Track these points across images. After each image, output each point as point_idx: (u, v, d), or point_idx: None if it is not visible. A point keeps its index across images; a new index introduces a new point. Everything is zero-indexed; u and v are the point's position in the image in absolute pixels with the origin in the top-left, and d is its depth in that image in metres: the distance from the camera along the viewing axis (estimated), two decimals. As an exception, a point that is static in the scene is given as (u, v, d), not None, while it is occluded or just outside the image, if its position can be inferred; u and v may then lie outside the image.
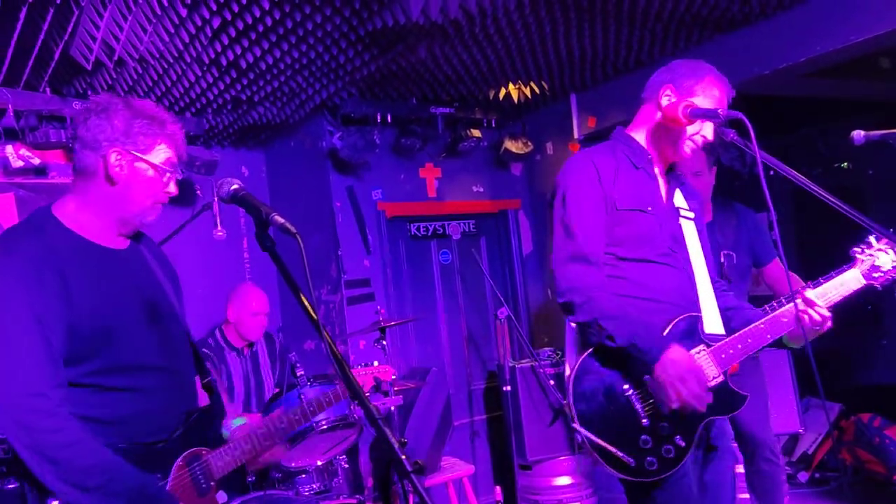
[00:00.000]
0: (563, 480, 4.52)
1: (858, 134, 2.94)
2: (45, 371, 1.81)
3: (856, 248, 2.48)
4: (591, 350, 2.33)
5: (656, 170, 2.49)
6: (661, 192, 2.47)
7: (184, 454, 2.05)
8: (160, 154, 2.05)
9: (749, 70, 4.14)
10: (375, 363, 2.59)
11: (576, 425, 2.28)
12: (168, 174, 2.07)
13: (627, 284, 2.37)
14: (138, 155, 2.01)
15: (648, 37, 4.23)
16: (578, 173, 2.40)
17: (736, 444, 3.29)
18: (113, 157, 1.99)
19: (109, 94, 2.09)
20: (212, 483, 2.09)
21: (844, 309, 2.43)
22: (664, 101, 2.40)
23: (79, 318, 1.89)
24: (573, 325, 2.40)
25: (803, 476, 4.88)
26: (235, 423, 2.33)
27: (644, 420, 2.26)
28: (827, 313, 2.32)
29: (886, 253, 2.42)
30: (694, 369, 2.21)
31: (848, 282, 2.43)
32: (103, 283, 1.98)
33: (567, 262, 2.34)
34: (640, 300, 2.35)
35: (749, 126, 2.20)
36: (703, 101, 2.36)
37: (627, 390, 2.29)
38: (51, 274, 1.87)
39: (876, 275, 2.44)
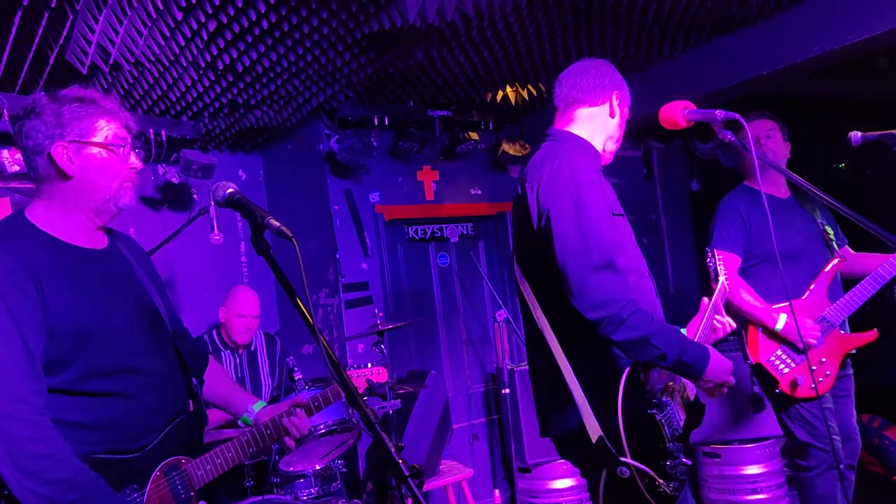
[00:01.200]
0: (563, 483, 4.50)
1: (856, 135, 2.95)
2: (27, 378, 1.75)
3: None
4: (623, 379, 2.10)
5: None
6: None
7: (162, 464, 1.95)
8: (103, 132, 1.94)
9: (747, 71, 4.14)
10: (369, 365, 2.57)
11: (627, 460, 2.06)
12: (121, 148, 1.96)
13: None
14: (81, 141, 1.91)
15: (646, 39, 4.23)
16: (587, 176, 2.22)
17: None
18: (57, 152, 1.90)
19: (36, 94, 1.98)
20: (192, 493, 1.99)
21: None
22: (615, 104, 2.44)
23: (58, 321, 1.81)
24: (613, 343, 2.11)
25: (803, 477, 4.88)
26: (256, 407, 2.26)
27: (670, 444, 2.15)
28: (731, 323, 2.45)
29: None
30: (729, 369, 2.21)
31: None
32: (81, 283, 1.90)
33: (595, 271, 2.09)
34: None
35: (747, 127, 2.22)
36: (625, 111, 2.49)
37: (656, 415, 2.14)
38: (26, 278, 1.79)
39: None
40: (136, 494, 1.90)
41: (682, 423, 2.26)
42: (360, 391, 2.42)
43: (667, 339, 2.07)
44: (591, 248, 2.10)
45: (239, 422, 2.32)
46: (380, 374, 2.56)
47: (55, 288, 1.83)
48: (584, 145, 2.41)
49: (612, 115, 2.45)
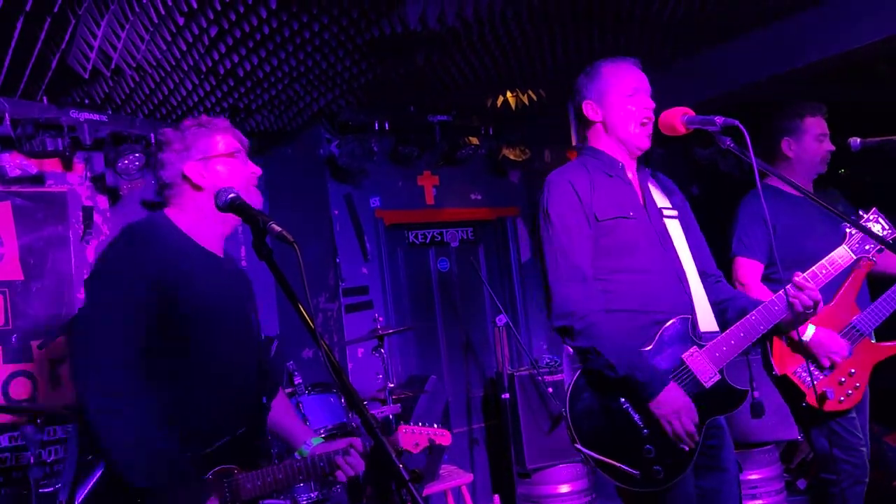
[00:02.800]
0: (563, 488, 4.50)
1: (855, 140, 2.96)
2: (124, 345, 1.93)
3: (846, 224, 2.52)
4: (582, 369, 2.33)
5: (630, 175, 2.50)
6: (638, 197, 2.47)
7: (215, 469, 2.02)
8: (220, 144, 2.17)
9: (747, 77, 4.16)
10: (435, 425, 2.47)
11: (578, 445, 2.27)
12: (238, 153, 2.19)
13: (617, 298, 2.36)
14: (207, 157, 2.15)
15: (646, 44, 4.24)
16: (558, 193, 2.41)
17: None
18: (189, 170, 2.14)
19: (162, 129, 2.23)
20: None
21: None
22: (593, 107, 2.51)
23: (170, 310, 1.98)
24: (570, 349, 2.39)
25: (802, 483, 4.88)
26: (315, 441, 2.31)
27: (645, 430, 2.25)
28: (817, 295, 2.29)
29: (877, 222, 2.53)
30: (686, 408, 2.22)
31: (836, 258, 2.49)
32: (205, 282, 2.08)
33: (565, 282, 2.32)
34: (630, 313, 2.34)
35: (745, 133, 2.21)
36: (615, 97, 2.50)
37: (624, 403, 2.28)
38: (152, 266, 1.99)
39: (868, 246, 2.51)
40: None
41: None
42: (420, 448, 2.37)
43: (618, 354, 2.23)
44: (561, 260, 2.34)
45: (296, 454, 2.36)
46: (443, 437, 2.45)
47: (179, 280, 2.01)
48: (593, 154, 2.51)
49: (596, 117, 2.50)
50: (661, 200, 2.53)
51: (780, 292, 2.33)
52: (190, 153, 2.16)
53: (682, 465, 2.24)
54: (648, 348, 2.32)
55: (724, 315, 2.44)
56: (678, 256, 2.44)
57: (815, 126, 3.25)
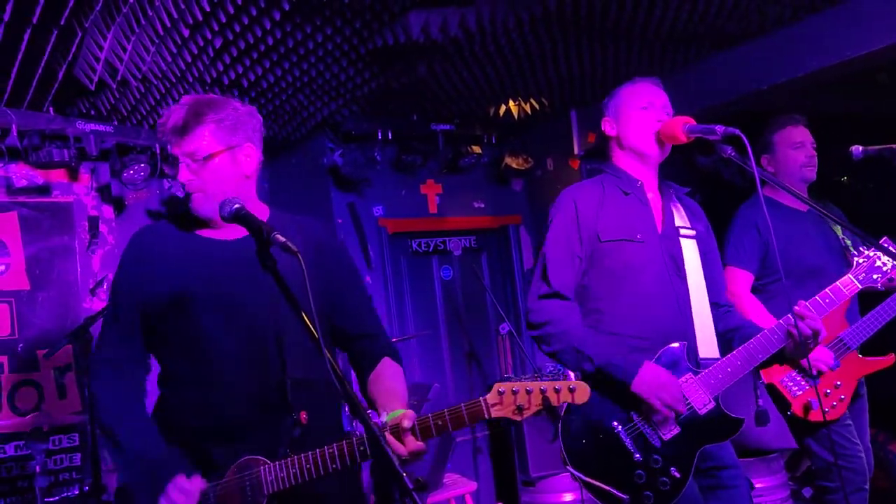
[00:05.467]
0: (567, 497, 4.50)
1: (857, 149, 2.96)
2: (110, 330, 2.10)
3: (854, 252, 2.51)
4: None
5: (649, 195, 2.50)
6: (654, 218, 2.47)
7: (239, 461, 1.94)
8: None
9: (746, 86, 4.17)
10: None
11: (569, 468, 2.30)
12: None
13: (615, 320, 2.38)
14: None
15: (647, 53, 4.26)
16: (560, 210, 2.48)
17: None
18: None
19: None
20: (262, 498, 1.91)
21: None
22: (610, 125, 2.56)
23: (155, 298, 2.02)
24: (547, 355, 2.44)
25: (808, 491, 4.86)
26: (390, 416, 1.92)
27: (637, 455, 2.26)
28: (818, 325, 2.26)
29: (887, 254, 2.47)
30: (666, 382, 2.23)
31: (840, 288, 2.47)
32: (193, 268, 2.04)
33: (545, 296, 2.41)
34: (626, 337, 2.36)
35: (746, 142, 2.22)
36: (630, 111, 2.53)
37: (616, 427, 2.30)
38: (145, 252, 2.08)
39: (876, 276, 2.49)
40: (211, 486, 1.94)
41: (668, 437, 2.28)
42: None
43: (594, 348, 2.29)
44: (542, 282, 2.43)
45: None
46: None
47: (162, 268, 2.05)
48: (613, 172, 2.56)
49: (612, 132, 2.56)
50: (680, 220, 2.52)
51: (781, 321, 2.33)
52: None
53: (674, 490, 2.24)
54: None
55: (730, 345, 2.43)
56: (686, 282, 2.43)
57: (788, 136, 3.30)
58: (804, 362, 3.01)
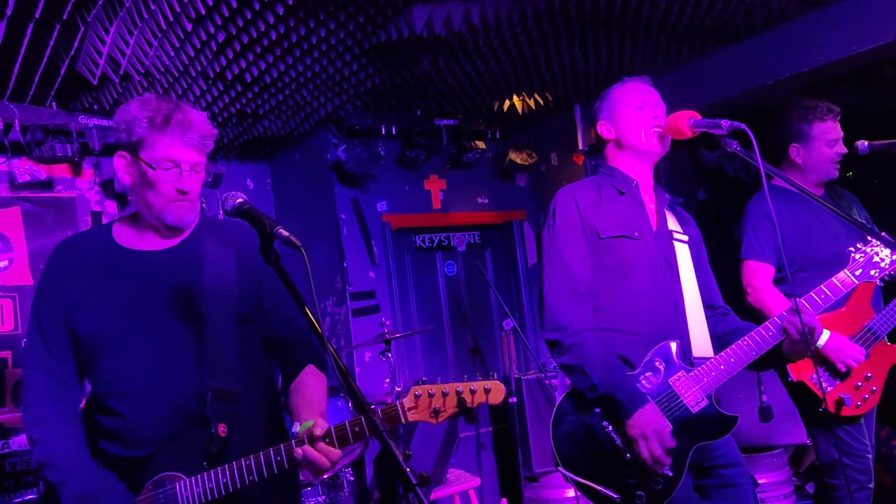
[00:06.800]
0: (570, 492, 4.49)
1: (863, 143, 2.94)
2: (38, 367, 2.01)
3: (851, 248, 2.49)
4: (567, 392, 2.35)
5: (644, 196, 2.51)
6: (649, 218, 2.48)
7: (154, 478, 1.89)
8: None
9: (752, 81, 4.15)
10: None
11: (560, 468, 2.29)
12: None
13: (612, 318, 2.38)
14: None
15: (652, 48, 4.25)
16: (562, 208, 2.46)
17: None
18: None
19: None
20: None
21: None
22: (606, 127, 2.56)
23: (76, 318, 1.97)
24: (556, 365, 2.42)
25: (811, 487, 4.86)
26: (303, 427, 1.87)
27: (628, 454, 2.25)
28: (813, 321, 2.24)
29: (884, 248, 2.43)
30: (659, 430, 2.20)
31: (836, 283, 2.43)
32: (112, 285, 1.98)
33: (560, 297, 2.37)
34: (622, 334, 2.36)
35: (752, 137, 2.21)
36: (624, 111, 2.52)
37: (607, 427, 2.29)
38: (61, 274, 2.01)
39: (873, 272, 2.44)
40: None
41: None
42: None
43: (602, 374, 2.25)
44: (563, 278, 2.38)
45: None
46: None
47: (81, 288, 1.99)
48: (608, 172, 2.56)
49: (609, 135, 2.56)
50: (673, 224, 2.54)
51: (776, 317, 2.31)
52: None
53: (666, 490, 2.23)
54: (635, 371, 2.33)
55: (728, 347, 2.39)
56: (679, 281, 2.44)
57: (826, 131, 3.16)
58: (840, 366, 2.94)
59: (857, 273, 2.45)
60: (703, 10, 3.75)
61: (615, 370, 2.29)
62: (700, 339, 2.42)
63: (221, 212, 1.94)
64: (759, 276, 3.15)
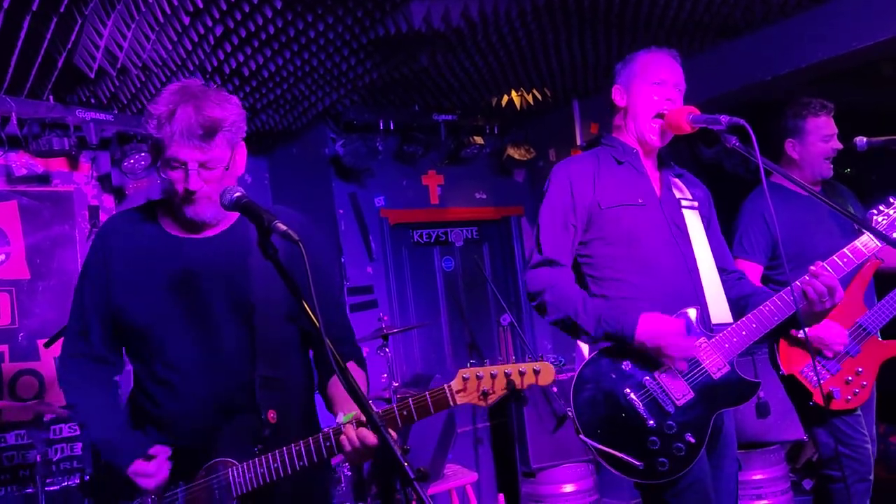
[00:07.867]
0: (567, 488, 4.50)
1: (861, 140, 2.94)
2: (74, 320, 2.12)
3: (873, 210, 2.47)
4: (587, 360, 2.33)
5: (645, 163, 2.48)
6: (653, 185, 2.46)
7: (207, 464, 1.91)
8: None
9: (751, 76, 4.15)
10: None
11: (581, 436, 2.27)
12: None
13: (624, 286, 2.36)
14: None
15: (651, 43, 4.22)
16: (554, 184, 2.46)
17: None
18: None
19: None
20: (230, 501, 1.88)
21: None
22: (619, 94, 2.52)
23: (122, 299, 2.00)
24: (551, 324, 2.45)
25: (808, 483, 4.87)
26: (346, 417, 1.85)
27: (650, 421, 2.24)
28: (833, 282, 2.21)
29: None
30: (666, 324, 2.21)
31: (858, 246, 2.42)
32: (160, 269, 2.00)
33: (538, 266, 2.42)
34: (640, 301, 2.32)
35: (751, 132, 2.20)
36: (641, 84, 2.48)
37: (629, 394, 2.27)
38: (109, 253, 2.05)
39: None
40: (180, 489, 1.92)
41: (682, 402, 2.26)
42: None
43: (589, 314, 2.29)
44: (536, 252, 2.44)
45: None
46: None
47: (123, 269, 2.03)
48: (608, 142, 2.54)
49: (621, 102, 2.52)
50: (679, 192, 2.51)
51: (796, 282, 2.27)
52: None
53: (689, 456, 2.22)
54: None
55: (744, 312, 2.38)
56: (691, 246, 2.41)
57: (820, 126, 3.18)
58: (827, 352, 2.97)
59: (880, 233, 2.42)
60: (703, 6, 3.74)
61: (600, 308, 2.30)
62: (718, 305, 2.40)
63: (220, 205, 1.90)
64: (747, 275, 3.17)
